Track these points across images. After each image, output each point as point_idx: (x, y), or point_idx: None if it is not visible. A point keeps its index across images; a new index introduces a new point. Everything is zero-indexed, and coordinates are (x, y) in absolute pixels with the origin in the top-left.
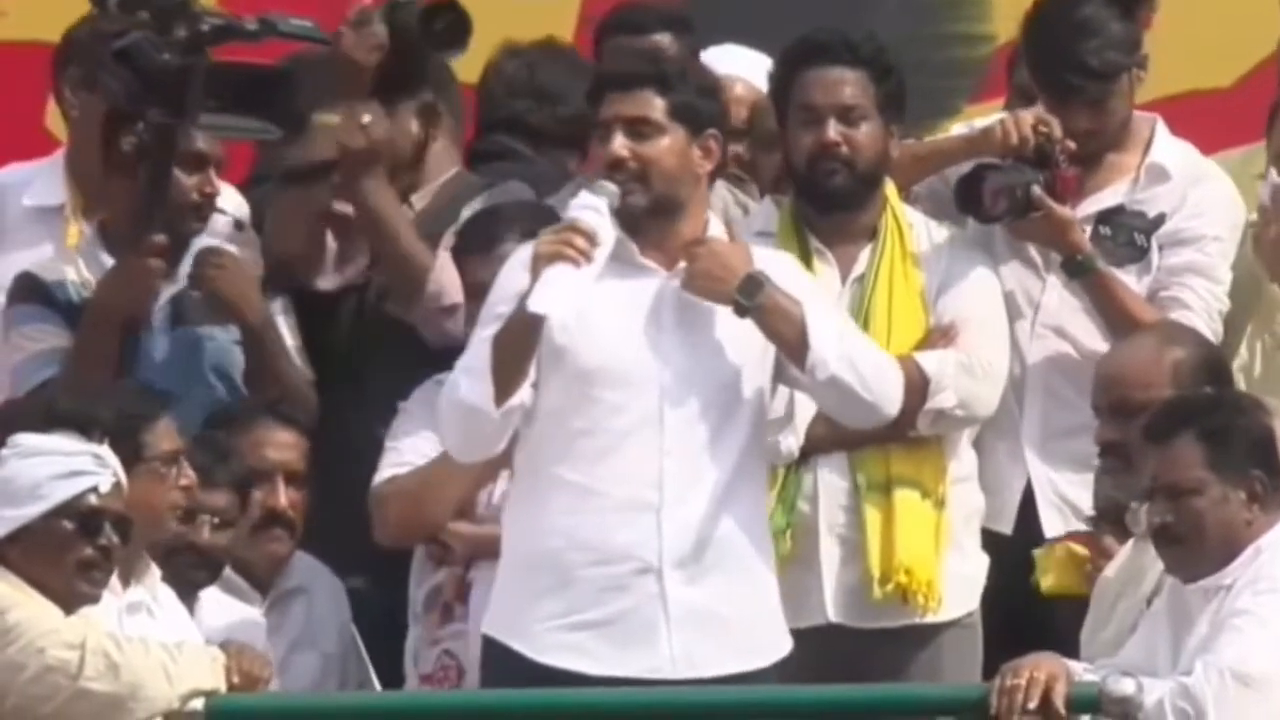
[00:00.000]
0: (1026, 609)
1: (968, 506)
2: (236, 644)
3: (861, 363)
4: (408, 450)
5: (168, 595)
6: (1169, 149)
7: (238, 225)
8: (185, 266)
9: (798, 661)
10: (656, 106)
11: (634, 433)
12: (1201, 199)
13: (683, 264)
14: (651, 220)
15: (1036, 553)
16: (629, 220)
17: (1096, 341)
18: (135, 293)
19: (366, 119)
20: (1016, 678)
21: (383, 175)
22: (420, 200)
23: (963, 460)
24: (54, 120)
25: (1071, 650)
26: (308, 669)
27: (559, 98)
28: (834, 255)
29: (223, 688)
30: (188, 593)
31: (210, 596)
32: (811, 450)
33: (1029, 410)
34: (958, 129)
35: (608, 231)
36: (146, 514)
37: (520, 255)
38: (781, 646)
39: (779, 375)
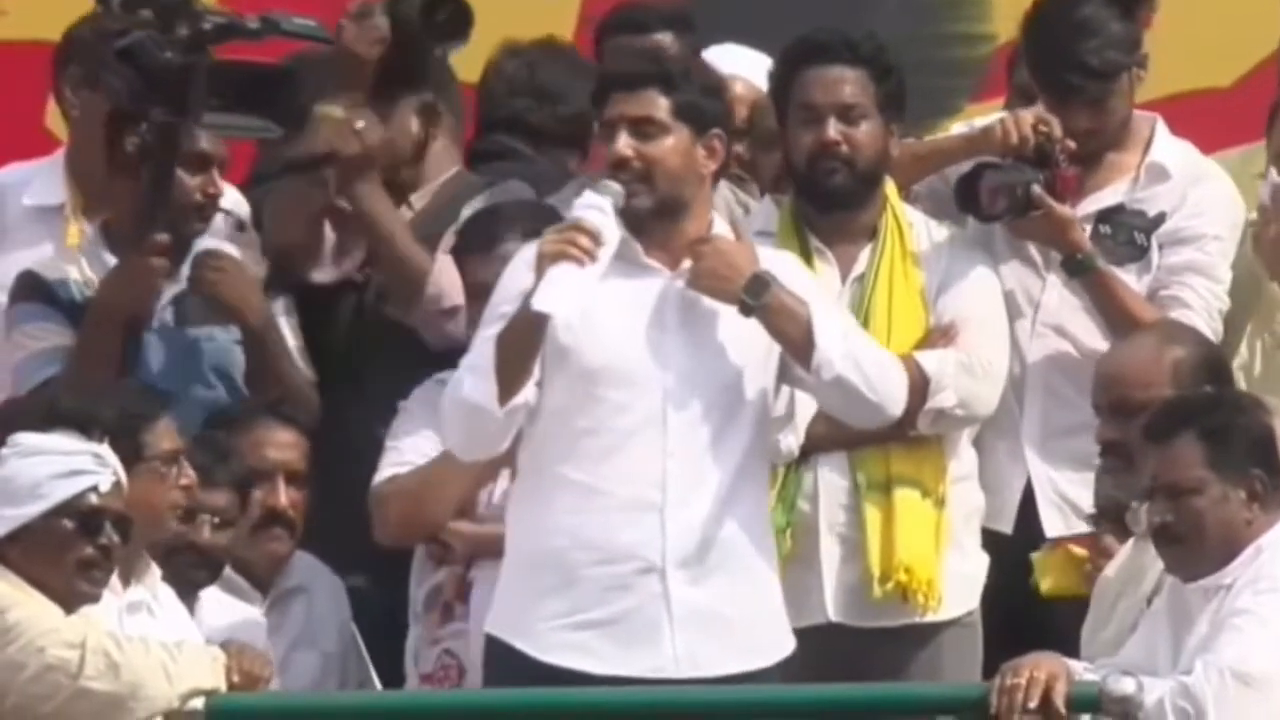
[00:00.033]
0: (1026, 608)
1: (968, 505)
2: (237, 643)
3: (866, 363)
4: (408, 450)
5: (168, 595)
6: (1169, 148)
7: (239, 226)
8: (188, 267)
9: (798, 661)
10: (661, 106)
11: (638, 432)
12: (1201, 198)
13: (687, 263)
14: (656, 220)
15: (1035, 555)
16: (633, 220)
17: (1096, 340)
18: (138, 292)
19: (360, 124)
20: (1017, 677)
21: (377, 180)
22: (420, 200)
23: (963, 459)
24: (54, 120)
25: (1072, 649)
26: (308, 668)
27: (559, 97)
28: (834, 254)
29: (223, 687)
30: (188, 592)
31: (210, 596)
32: (812, 449)
33: (1029, 409)
34: (958, 128)
35: (612, 231)
36: (147, 513)
37: (525, 254)
38: (784, 646)
39: (783, 375)
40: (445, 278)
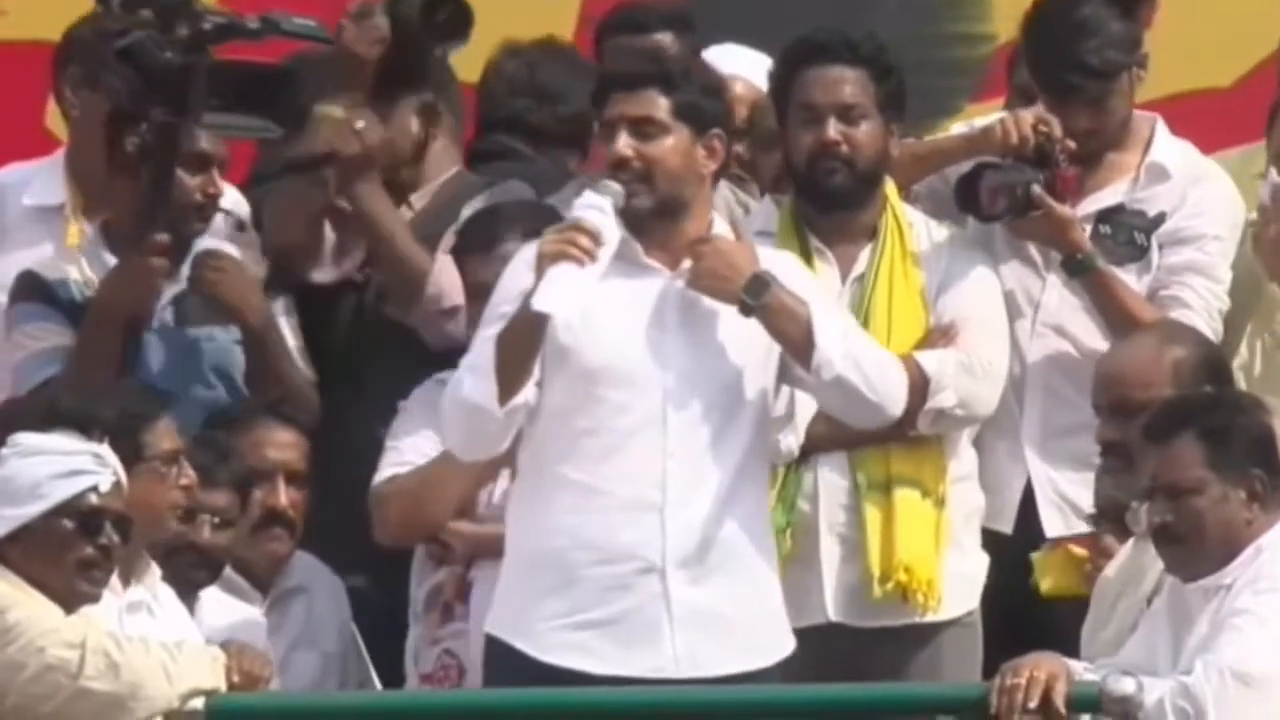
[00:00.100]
0: (1026, 608)
1: (968, 505)
2: (237, 643)
3: (866, 363)
4: (408, 450)
5: (168, 595)
6: (1169, 148)
7: (239, 226)
8: (188, 267)
9: (798, 661)
10: (661, 106)
11: (637, 433)
12: (1201, 198)
13: (687, 263)
14: (656, 220)
15: (1035, 555)
16: (633, 220)
17: (1096, 340)
18: (138, 292)
19: (360, 124)
20: (1017, 677)
21: (377, 180)
22: (420, 200)
23: (963, 459)
24: (54, 120)
25: (1072, 649)
26: (308, 668)
27: (559, 97)
28: (834, 254)
29: (223, 687)
30: (188, 592)
31: (210, 596)
32: (812, 449)
33: (1029, 409)
34: (958, 128)
35: (612, 231)
36: (147, 513)
37: (525, 254)
38: (784, 646)
39: (783, 375)
40: (445, 278)
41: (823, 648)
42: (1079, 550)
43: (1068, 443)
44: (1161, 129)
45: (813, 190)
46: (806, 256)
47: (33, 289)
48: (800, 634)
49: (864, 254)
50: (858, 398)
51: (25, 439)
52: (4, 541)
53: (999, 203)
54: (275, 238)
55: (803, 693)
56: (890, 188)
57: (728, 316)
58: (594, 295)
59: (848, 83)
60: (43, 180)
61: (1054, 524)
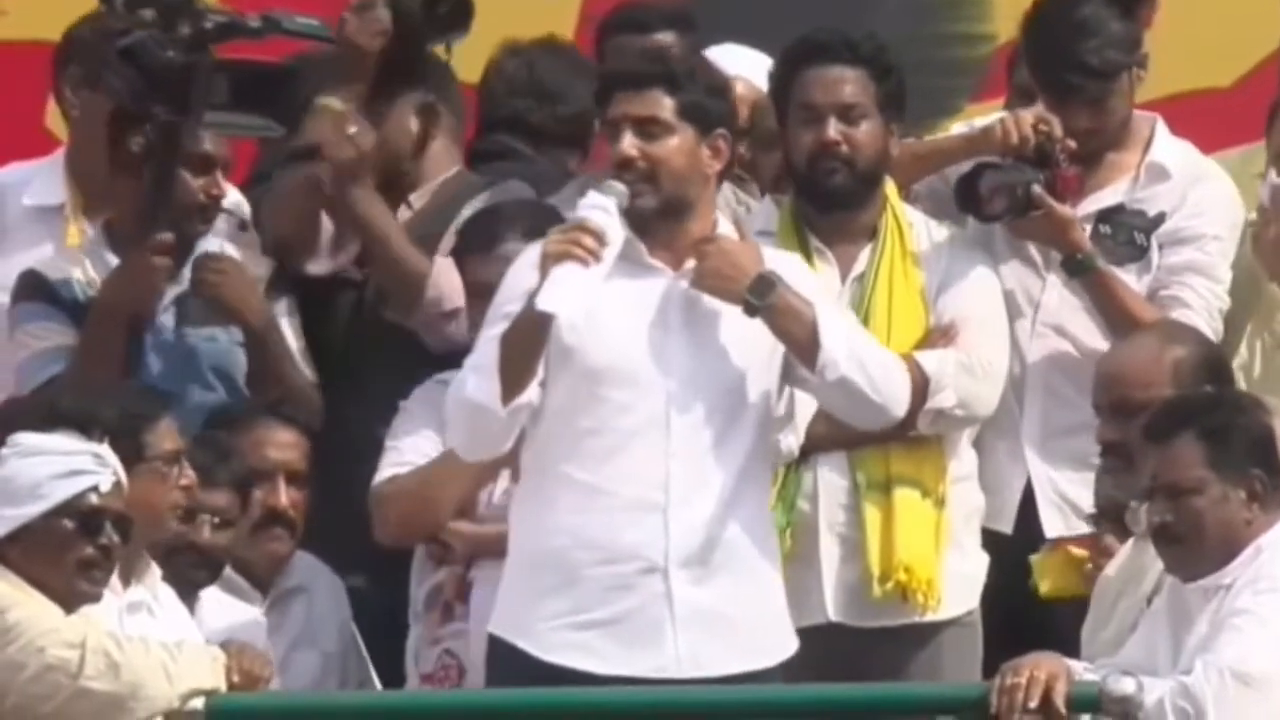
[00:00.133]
0: (1027, 608)
1: (968, 505)
2: (237, 643)
3: (870, 364)
4: (408, 450)
5: (168, 594)
6: (1169, 148)
7: (241, 226)
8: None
9: (798, 660)
10: (666, 106)
11: (641, 433)
12: (1201, 198)
13: (690, 264)
14: (660, 220)
15: (1034, 557)
16: (638, 220)
17: (1097, 340)
18: (141, 291)
19: (353, 129)
20: (1017, 676)
21: (370, 184)
22: (419, 199)
23: (963, 459)
24: (54, 120)
25: (1072, 649)
26: (308, 668)
27: (559, 96)
28: (834, 254)
29: (223, 687)
30: (188, 592)
31: (211, 596)
32: (811, 449)
33: (1029, 409)
34: (958, 128)
35: (616, 231)
36: (147, 514)
37: (529, 254)
38: (787, 646)
39: (787, 376)
40: (444, 280)
41: (822, 648)
42: (1078, 551)
43: (1068, 443)
44: (1161, 129)
45: (813, 190)
46: (806, 256)
47: (35, 288)
48: (800, 634)
49: (864, 254)
50: (861, 399)
51: (26, 439)
52: (4, 541)
53: (999, 203)
54: (274, 228)
55: (803, 693)
56: (890, 188)
57: (731, 317)
58: (598, 295)
59: (848, 83)
60: (43, 180)
61: (1054, 524)
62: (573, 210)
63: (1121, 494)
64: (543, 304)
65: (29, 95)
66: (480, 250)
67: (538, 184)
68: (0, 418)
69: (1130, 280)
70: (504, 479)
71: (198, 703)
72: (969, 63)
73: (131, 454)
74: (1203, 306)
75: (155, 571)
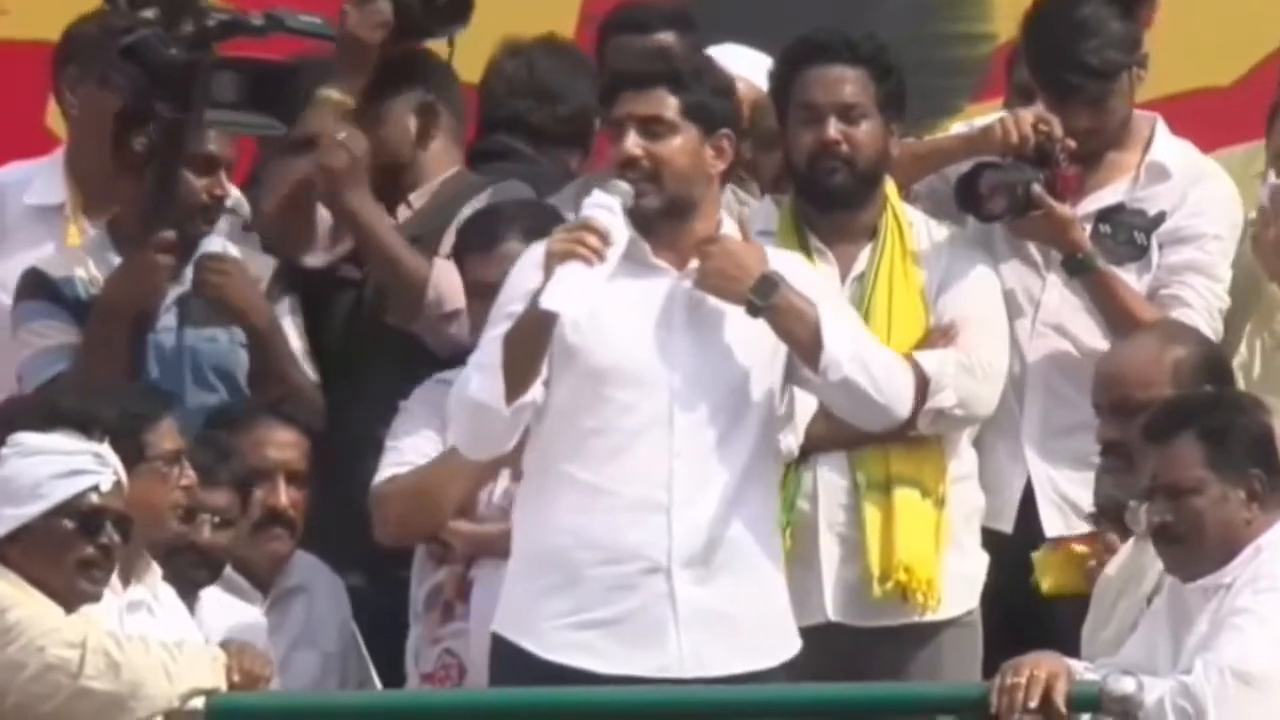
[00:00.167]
0: (1027, 608)
1: (968, 505)
2: (237, 643)
3: (874, 364)
4: (408, 450)
5: (168, 594)
6: (1169, 147)
7: (245, 226)
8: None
9: (799, 660)
10: (670, 105)
11: (644, 432)
12: (1202, 197)
13: (694, 263)
14: (664, 220)
15: (1035, 555)
16: (642, 220)
17: (1097, 339)
18: (144, 288)
19: (343, 135)
20: (1017, 676)
21: (366, 190)
22: (419, 199)
23: (963, 459)
24: (55, 119)
25: (1072, 649)
26: (308, 668)
27: (559, 96)
28: (834, 254)
29: (223, 686)
30: (188, 592)
31: (211, 595)
32: (811, 449)
33: (1029, 409)
34: (958, 128)
35: (621, 231)
36: (148, 513)
37: (533, 253)
38: (790, 647)
39: (790, 376)
40: (444, 282)
41: (822, 647)
42: (1080, 548)
43: (1068, 442)
44: (1162, 128)
45: (813, 190)
46: (806, 256)
47: (38, 286)
48: (800, 634)
49: (864, 253)
50: (865, 399)
51: (26, 439)
52: (4, 541)
53: (999, 202)
54: (267, 217)
55: (803, 693)
56: (890, 187)
57: (735, 317)
58: (602, 295)
59: (848, 82)
60: (43, 180)
61: (1054, 523)
62: (573, 210)
63: (1121, 494)
64: (547, 303)
65: (29, 95)
66: (480, 250)
67: (538, 184)
68: (1, 417)
69: (1130, 279)
70: (504, 478)
71: (198, 702)
72: (969, 63)
73: (132, 454)
74: (1203, 306)
75: (156, 571)
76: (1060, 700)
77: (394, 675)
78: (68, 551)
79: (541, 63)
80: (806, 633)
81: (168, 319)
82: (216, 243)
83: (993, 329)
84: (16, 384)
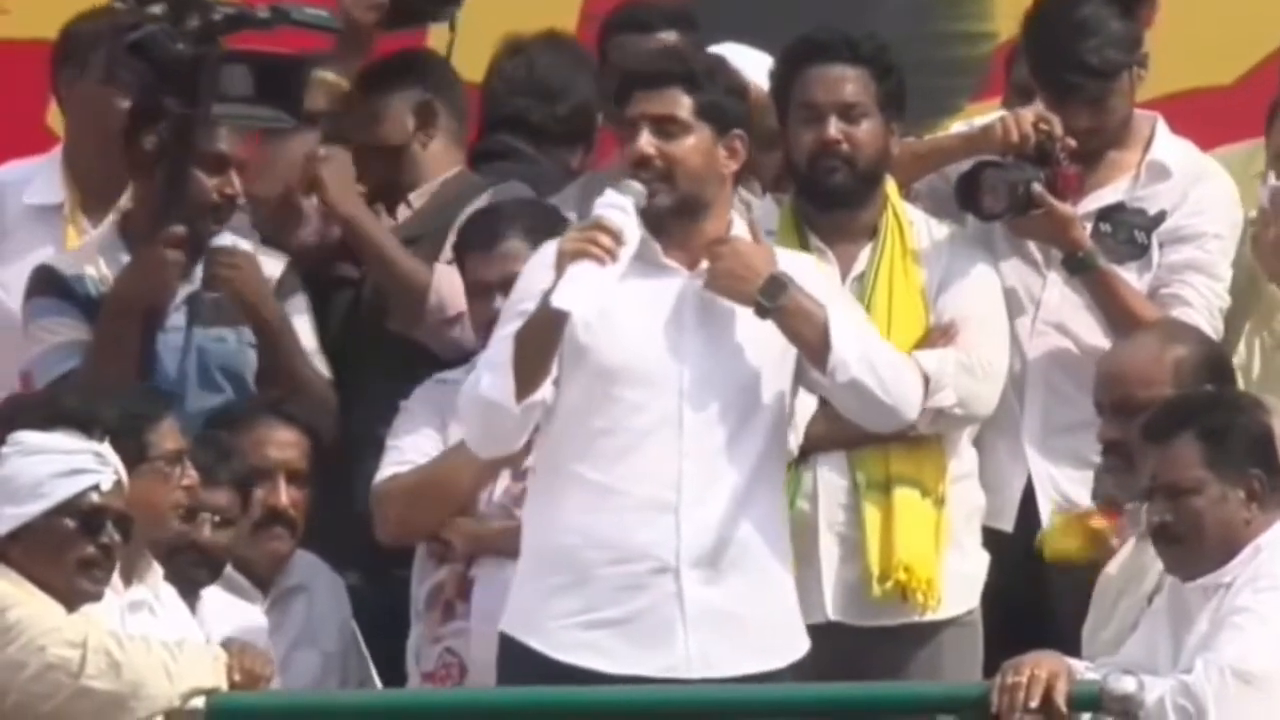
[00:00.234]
0: (1027, 607)
1: (968, 504)
2: (238, 642)
3: (882, 366)
4: (409, 449)
5: (169, 594)
6: (1170, 147)
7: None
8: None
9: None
10: (684, 105)
11: (654, 432)
12: (1202, 197)
13: (705, 264)
14: (676, 220)
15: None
16: (653, 219)
17: (1097, 338)
18: (154, 285)
19: (322, 152)
20: (1018, 675)
21: (362, 201)
22: (419, 199)
23: (963, 458)
24: (55, 119)
25: (1073, 649)
26: (309, 667)
27: (559, 94)
28: (834, 253)
29: (224, 686)
30: (189, 591)
31: (212, 595)
32: (811, 449)
33: (1030, 407)
34: (958, 127)
35: (633, 230)
36: (149, 513)
37: (544, 252)
38: (798, 647)
39: (799, 377)
40: (445, 286)
41: (822, 647)
42: (1098, 522)
43: (1068, 440)
44: (1162, 127)
45: (813, 189)
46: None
47: (48, 283)
48: None
49: (864, 253)
50: (873, 401)
51: (27, 437)
52: (5, 540)
53: (1000, 201)
54: (260, 194)
55: (803, 692)
56: (891, 186)
57: (745, 317)
58: (613, 294)
59: (849, 81)
60: (43, 179)
61: None
62: (574, 209)
63: (1121, 493)
64: (558, 302)
65: (30, 94)
66: (480, 249)
67: (539, 184)
68: (2, 416)
69: (1131, 278)
70: (504, 477)
71: (199, 702)
72: (969, 62)
73: (134, 453)
74: (1203, 305)
75: (157, 570)
76: (1061, 700)
77: (394, 675)
78: (68, 551)
79: (541, 61)
80: (806, 631)
81: (176, 318)
82: (227, 238)
83: (993, 328)
84: (19, 382)
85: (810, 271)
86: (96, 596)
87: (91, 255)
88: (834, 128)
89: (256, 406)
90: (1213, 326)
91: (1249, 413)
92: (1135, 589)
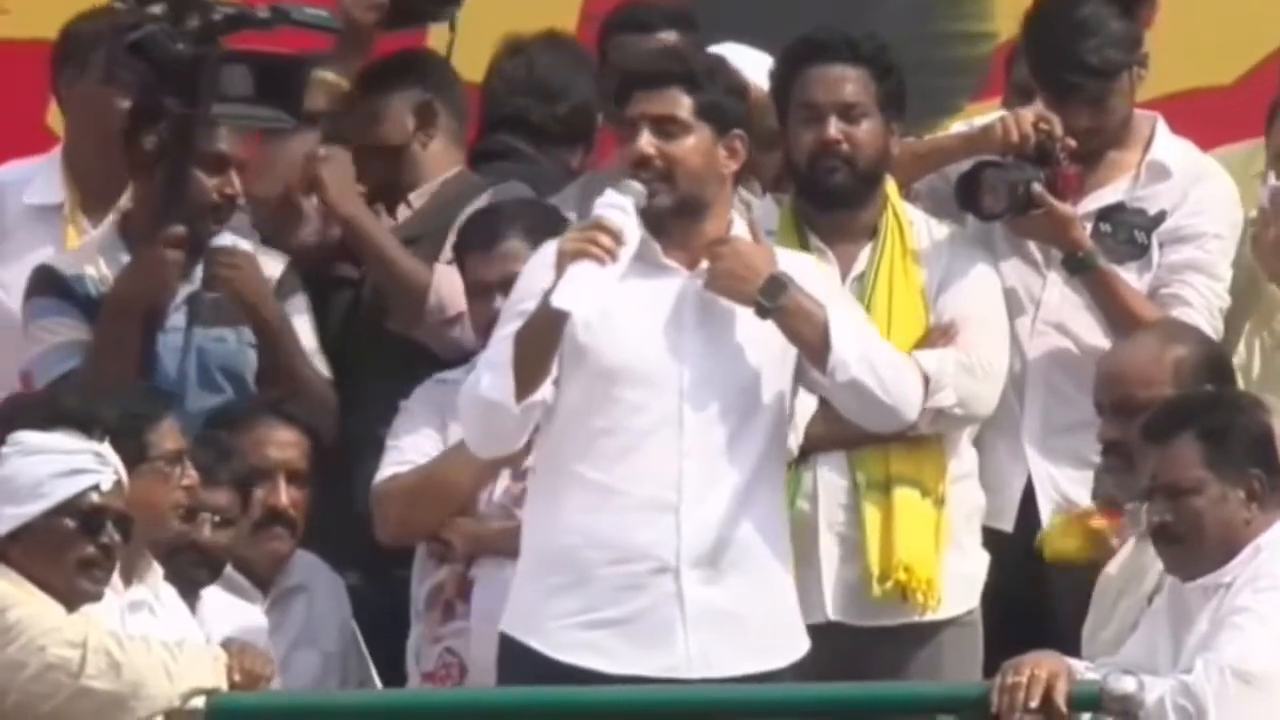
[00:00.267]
0: (1027, 607)
1: (968, 504)
2: (238, 642)
3: (882, 366)
4: (409, 449)
5: (170, 594)
6: (1170, 147)
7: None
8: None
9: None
10: (684, 105)
11: (654, 432)
12: (1202, 196)
13: (705, 264)
14: (676, 220)
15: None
16: (653, 219)
17: (1097, 338)
18: (154, 284)
19: (322, 152)
20: (1018, 675)
21: (362, 203)
22: (419, 199)
23: (963, 458)
24: (55, 119)
25: (1073, 649)
26: (309, 667)
27: (559, 93)
28: (834, 253)
29: (224, 686)
30: (189, 591)
31: (212, 595)
32: (811, 449)
33: (1030, 407)
34: (958, 127)
35: (633, 230)
36: (149, 513)
37: (544, 252)
38: (798, 647)
39: (799, 377)
40: (445, 287)
41: (822, 647)
42: (1098, 522)
43: (1068, 440)
44: (1162, 127)
45: (813, 189)
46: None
47: (48, 283)
48: None
49: (864, 253)
50: (873, 401)
51: (27, 437)
52: (5, 540)
53: (1000, 201)
54: (262, 195)
55: (803, 692)
56: (891, 186)
57: (745, 317)
58: (613, 294)
59: (849, 81)
60: (43, 179)
61: None
62: (574, 209)
63: (1121, 493)
64: (558, 302)
65: (30, 94)
66: (480, 249)
67: (538, 184)
68: (2, 416)
69: (1131, 278)
70: (504, 477)
71: (199, 702)
72: (969, 62)
73: (134, 453)
74: (1203, 305)
75: (157, 570)
76: (1061, 700)
77: (394, 675)
78: (68, 551)
79: (541, 60)
80: (806, 632)
81: (176, 318)
82: (227, 238)
83: (993, 328)
84: (19, 382)
85: (810, 271)
86: (96, 596)
87: (91, 255)
88: (834, 128)
89: (256, 406)
90: (1213, 326)
91: (1249, 413)
92: (1135, 589)
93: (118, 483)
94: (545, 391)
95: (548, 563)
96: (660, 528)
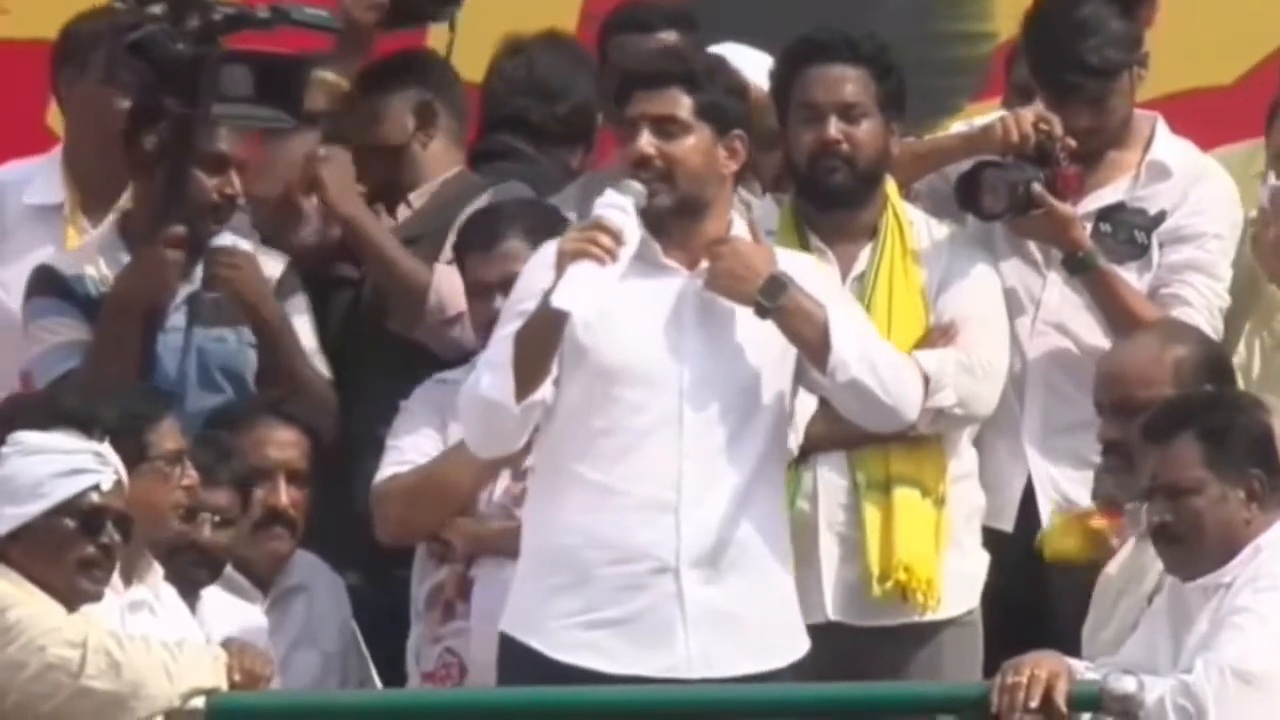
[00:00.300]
0: (1027, 607)
1: (968, 504)
2: (238, 642)
3: (882, 366)
4: (409, 449)
5: (170, 594)
6: (1170, 146)
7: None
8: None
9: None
10: (684, 105)
11: (654, 432)
12: (1202, 196)
13: (705, 264)
14: (676, 220)
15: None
16: (653, 219)
17: (1097, 338)
18: (154, 284)
19: (322, 152)
20: (1018, 675)
21: (360, 201)
22: (419, 199)
23: (963, 458)
24: (55, 119)
25: (1073, 649)
26: (309, 667)
27: (559, 93)
28: (834, 253)
29: (224, 686)
30: (189, 591)
31: (212, 595)
32: (811, 449)
33: (1030, 407)
34: (958, 127)
35: (633, 230)
36: (149, 513)
37: (544, 252)
38: (798, 647)
39: (799, 377)
40: (445, 287)
41: (822, 647)
42: (1098, 522)
43: (1068, 440)
44: (1162, 127)
45: (813, 189)
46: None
47: (48, 283)
48: None
49: (864, 253)
50: (873, 401)
51: (27, 437)
52: (5, 540)
53: (1000, 201)
54: (262, 195)
55: (803, 692)
56: (891, 186)
57: (745, 317)
58: (613, 294)
59: (849, 81)
60: (43, 179)
61: None
62: (574, 209)
63: (1121, 493)
64: (558, 302)
65: (30, 95)
66: (480, 248)
67: (538, 185)
68: (2, 416)
69: (1131, 278)
70: (504, 477)
71: (199, 702)
72: (969, 62)
73: (134, 453)
74: (1203, 305)
75: (157, 570)
76: (1061, 700)
77: (394, 675)
78: (68, 551)
79: (541, 60)
80: (806, 632)
81: (176, 318)
82: (227, 238)
83: (993, 328)
84: (19, 382)
85: (810, 271)
86: (96, 596)
87: (91, 255)
88: (834, 128)
89: (256, 406)
90: (1213, 326)
91: (1249, 413)
92: (1135, 589)
93: (118, 483)
94: (545, 391)
95: (548, 563)
96: (660, 528)
